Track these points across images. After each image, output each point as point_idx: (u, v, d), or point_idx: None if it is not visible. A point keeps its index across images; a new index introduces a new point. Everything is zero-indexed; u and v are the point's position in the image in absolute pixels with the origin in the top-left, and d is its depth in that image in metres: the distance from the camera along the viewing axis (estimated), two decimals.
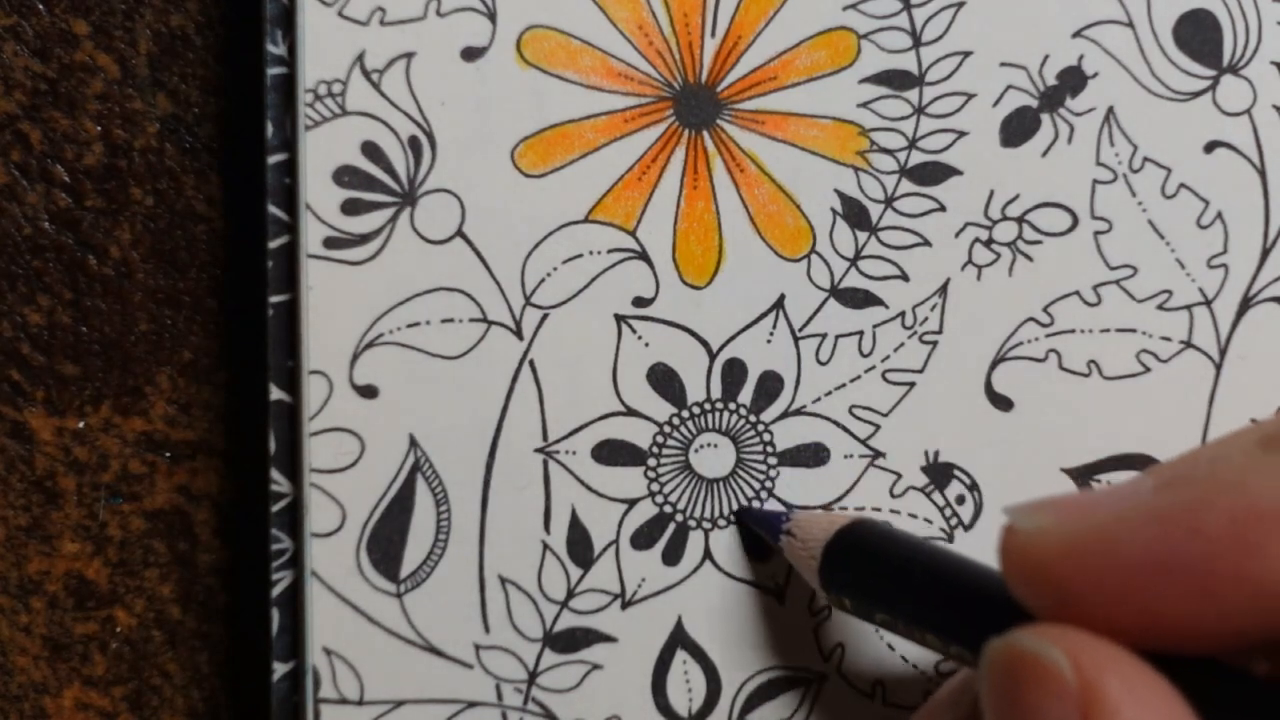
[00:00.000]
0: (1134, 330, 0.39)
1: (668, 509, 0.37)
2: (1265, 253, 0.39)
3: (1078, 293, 0.39)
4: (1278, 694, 0.24)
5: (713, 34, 0.37)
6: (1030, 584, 0.25)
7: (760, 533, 0.37)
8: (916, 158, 0.38)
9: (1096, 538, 0.24)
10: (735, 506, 0.38)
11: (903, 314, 0.38)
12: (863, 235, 0.38)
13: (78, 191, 0.37)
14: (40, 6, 0.37)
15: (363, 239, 0.36)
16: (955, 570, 0.30)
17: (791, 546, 0.36)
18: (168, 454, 0.38)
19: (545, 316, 0.37)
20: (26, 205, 0.37)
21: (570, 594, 0.37)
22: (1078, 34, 0.38)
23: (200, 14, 0.38)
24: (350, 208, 0.36)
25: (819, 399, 0.38)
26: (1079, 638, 0.24)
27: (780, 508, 0.38)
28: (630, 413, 0.37)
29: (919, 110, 0.38)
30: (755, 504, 0.38)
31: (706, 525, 0.37)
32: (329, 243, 0.36)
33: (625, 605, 0.37)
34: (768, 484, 0.38)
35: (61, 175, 0.37)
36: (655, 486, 0.37)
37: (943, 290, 0.38)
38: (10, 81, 0.37)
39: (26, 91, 0.37)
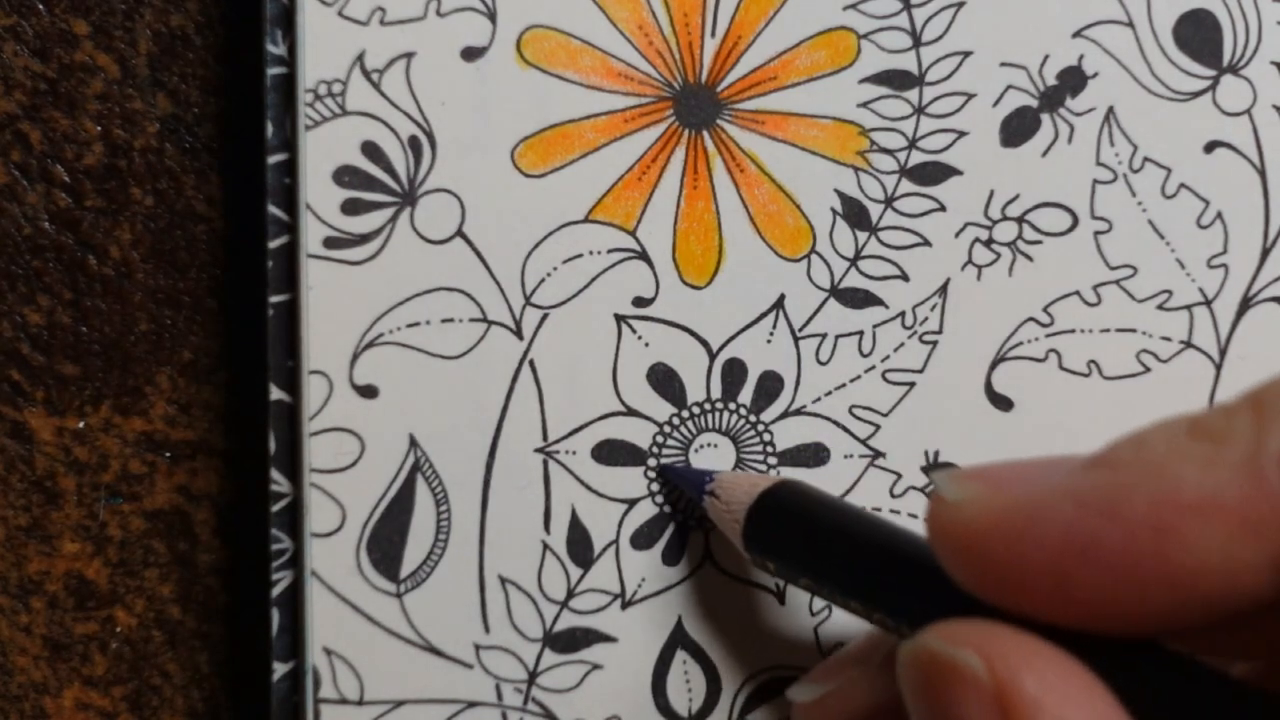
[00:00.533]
0: (1134, 330, 0.39)
1: (667, 509, 0.37)
2: (1265, 253, 0.39)
3: (1078, 293, 0.39)
4: (1211, 675, 0.24)
5: (713, 34, 0.37)
6: (957, 558, 0.25)
7: (686, 492, 0.37)
8: (916, 158, 0.38)
9: (1020, 514, 0.24)
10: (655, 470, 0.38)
11: (903, 314, 0.38)
12: (863, 235, 0.38)
13: (78, 191, 0.37)
14: (40, 6, 0.37)
15: (363, 239, 0.36)
16: (879, 535, 0.30)
17: (715, 507, 0.35)
18: (168, 454, 0.38)
19: (545, 316, 0.37)
20: (26, 205, 0.37)
21: (570, 594, 0.37)
22: (1078, 34, 0.38)
23: (200, 14, 0.38)
24: (350, 208, 0.36)
25: (819, 399, 0.38)
26: (991, 633, 0.24)
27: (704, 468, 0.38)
28: (630, 413, 0.37)
29: (919, 110, 0.38)
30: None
31: (706, 525, 0.37)
32: (329, 243, 0.36)
33: (625, 605, 0.37)
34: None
35: (61, 175, 0.37)
36: (655, 486, 0.37)
37: (943, 290, 0.38)
38: (10, 81, 0.37)
39: (26, 91, 0.37)
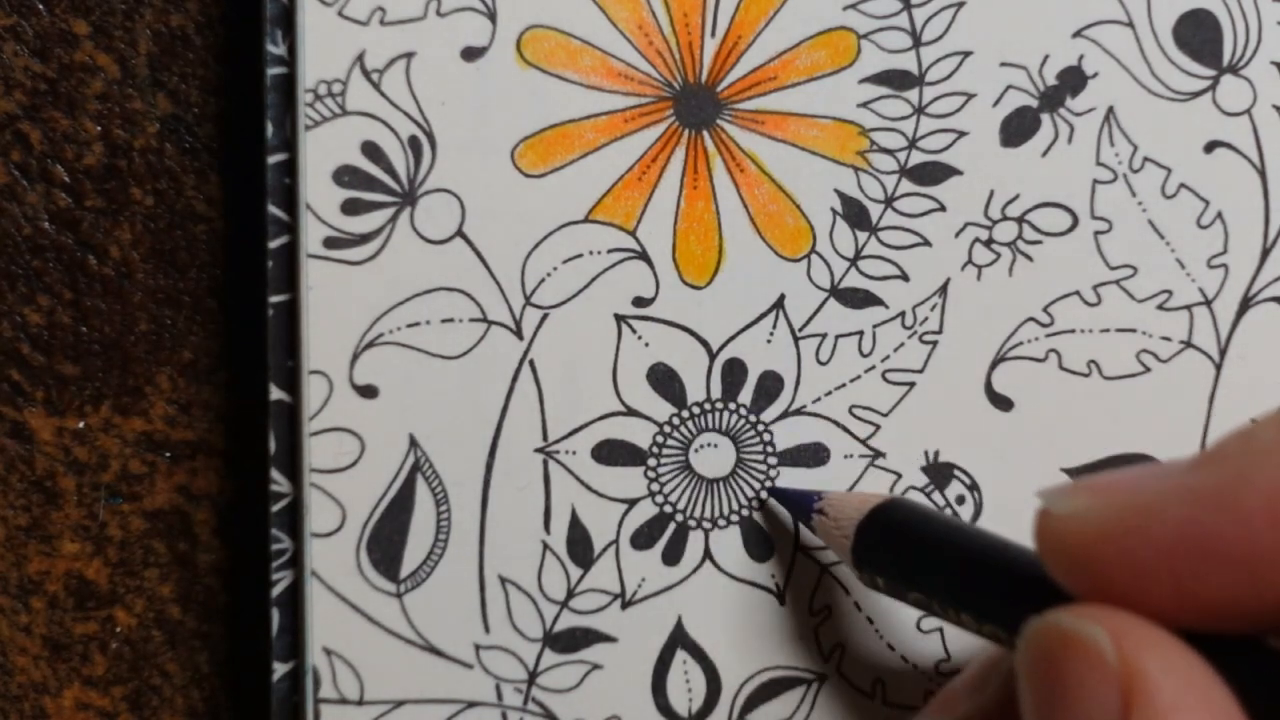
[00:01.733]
0: (1134, 330, 0.39)
1: (668, 509, 0.37)
2: (1265, 253, 0.39)
3: (1078, 293, 0.39)
4: None
5: (713, 34, 0.37)
6: (1068, 567, 0.25)
7: (790, 513, 0.37)
8: (916, 158, 0.38)
9: (1132, 518, 0.24)
10: (758, 495, 0.38)
11: (903, 314, 0.38)
12: (863, 235, 0.38)
13: (78, 191, 0.37)
14: (40, 6, 0.37)
15: (363, 239, 0.36)
16: (990, 549, 0.30)
17: (824, 525, 0.35)
18: (168, 454, 0.38)
19: (545, 316, 0.37)
20: (26, 205, 0.37)
21: (570, 594, 0.37)
22: (1078, 34, 0.38)
23: (200, 14, 0.38)
24: (350, 207, 0.36)
25: (819, 399, 0.38)
26: (1119, 617, 0.24)
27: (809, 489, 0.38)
28: (630, 413, 0.37)
29: (919, 110, 0.38)
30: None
31: (707, 525, 0.37)
32: (329, 243, 0.36)
33: (625, 605, 0.37)
34: (767, 484, 0.38)
35: (61, 175, 0.37)
36: (655, 486, 0.37)
37: (943, 290, 0.38)
38: (10, 81, 0.37)
39: (26, 91, 0.37)
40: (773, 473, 0.38)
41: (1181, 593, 0.23)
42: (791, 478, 0.38)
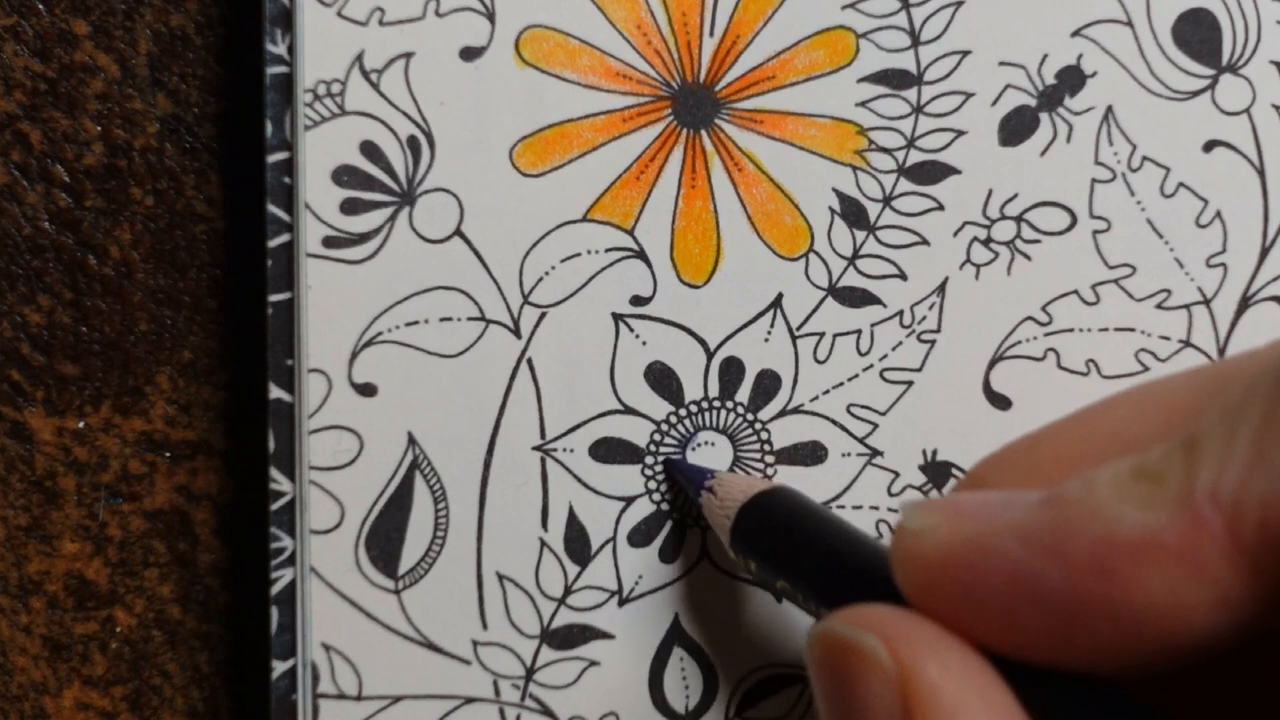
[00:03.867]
0: (1133, 329, 0.39)
1: (665, 507, 0.37)
2: (1264, 252, 0.39)
3: (1076, 292, 0.39)
4: (1112, 697, 0.24)
5: (711, 33, 0.37)
6: (912, 584, 0.25)
7: (685, 487, 0.37)
8: (915, 157, 0.38)
9: (970, 551, 0.24)
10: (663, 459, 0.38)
11: (901, 313, 0.38)
12: (861, 234, 0.38)
13: (78, 191, 0.37)
14: (40, 6, 0.37)
15: (362, 238, 0.36)
16: (856, 550, 0.30)
17: (710, 504, 0.35)
18: (168, 454, 0.38)
19: (543, 315, 0.37)
20: (26, 205, 0.37)
21: (568, 591, 0.37)
22: (1076, 33, 0.38)
23: (200, 14, 0.38)
24: (349, 207, 0.36)
25: (817, 398, 0.38)
26: (895, 620, 0.24)
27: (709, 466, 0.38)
28: (628, 411, 0.37)
29: (917, 109, 0.38)
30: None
31: (704, 523, 0.38)
32: (328, 242, 0.36)
33: (622, 602, 0.37)
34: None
35: (61, 175, 0.37)
36: (653, 484, 0.37)
37: (941, 289, 0.38)
38: (10, 81, 0.37)
39: (26, 91, 0.37)
40: (770, 471, 0.38)
41: (1010, 628, 0.23)
42: (789, 476, 0.38)
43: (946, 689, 0.23)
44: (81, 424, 0.38)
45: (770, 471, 0.38)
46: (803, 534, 0.32)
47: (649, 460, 0.37)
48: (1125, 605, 0.22)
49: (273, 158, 0.36)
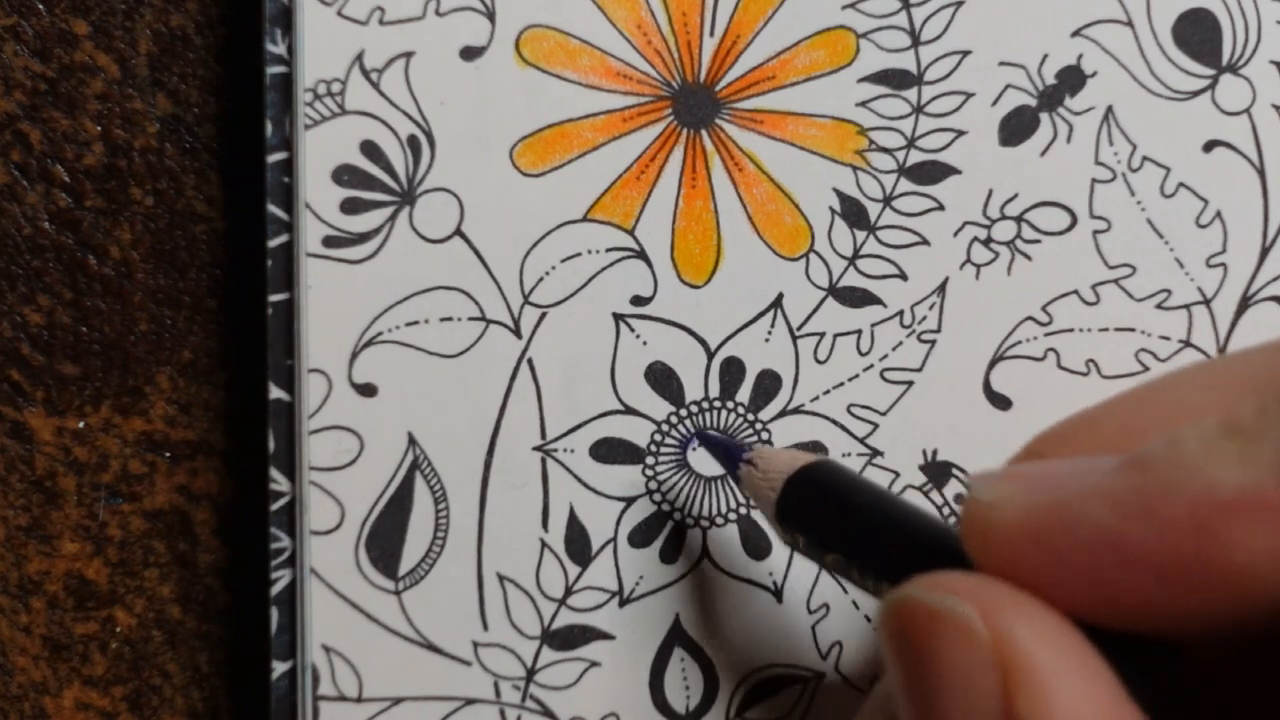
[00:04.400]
0: (1133, 329, 0.39)
1: (665, 507, 0.37)
2: (1264, 252, 0.39)
3: (1076, 292, 0.39)
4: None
5: (711, 33, 0.37)
6: (987, 555, 0.24)
7: (719, 461, 0.37)
8: (915, 157, 0.38)
9: (1054, 516, 0.23)
10: (697, 433, 0.38)
11: (901, 313, 0.38)
12: (861, 234, 0.38)
13: (78, 191, 0.37)
14: (40, 6, 0.37)
15: (362, 238, 0.36)
16: (915, 521, 0.29)
17: (751, 476, 0.34)
18: (168, 454, 0.38)
19: (544, 315, 0.37)
20: (26, 205, 0.37)
21: (568, 591, 0.37)
22: (1077, 33, 0.38)
23: (200, 14, 0.38)
24: (349, 207, 0.36)
25: (817, 398, 0.38)
26: (985, 586, 0.23)
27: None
28: (628, 411, 0.37)
29: (918, 109, 0.38)
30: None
31: (704, 523, 0.37)
32: (328, 241, 0.36)
33: (623, 603, 0.37)
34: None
35: (61, 175, 0.37)
36: (653, 485, 0.37)
37: (941, 289, 0.38)
38: (10, 81, 0.37)
39: (26, 91, 0.37)
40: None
41: (1095, 592, 0.23)
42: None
43: (1044, 657, 0.22)
44: (81, 424, 0.38)
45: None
46: (855, 506, 0.31)
47: (649, 460, 0.37)
48: (1225, 565, 0.22)
49: (273, 157, 0.36)
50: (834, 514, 0.32)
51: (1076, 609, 0.23)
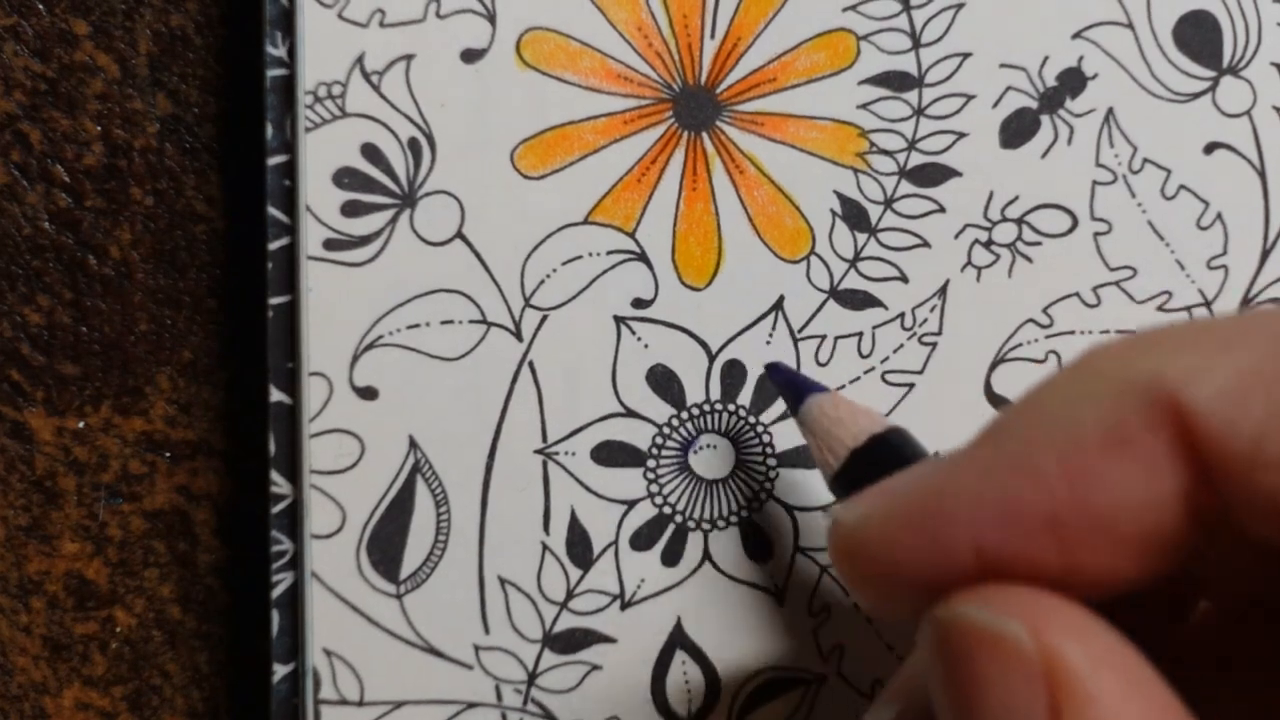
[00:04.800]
0: (1134, 332, 0.39)
1: (667, 510, 0.37)
2: (1265, 254, 0.39)
3: (1077, 294, 0.39)
4: None
5: (712, 35, 0.37)
6: (866, 572, 0.24)
7: (784, 398, 0.36)
8: (916, 159, 0.38)
9: (929, 500, 0.23)
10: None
11: (902, 315, 0.38)
12: (862, 237, 0.38)
13: (78, 191, 0.37)
14: (40, 6, 0.37)
15: (362, 241, 0.36)
16: None
17: (817, 426, 0.34)
18: (168, 454, 0.38)
19: (545, 318, 0.37)
20: (26, 205, 0.37)
21: (570, 595, 0.37)
22: (1077, 35, 0.38)
23: (200, 14, 0.38)
24: (350, 209, 0.36)
25: None
26: (1035, 599, 0.22)
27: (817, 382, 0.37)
28: (629, 414, 0.37)
29: (918, 112, 0.38)
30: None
31: (706, 526, 0.38)
32: (329, 244, 0.36)
33: (625, 606, 0.37)
34: (767, 485, 0.38)
35: (61, 175, 0.37)
36: (654, 488, 0.37)
37: (942, 291, 0.38)
38: (10, 81, 0.37)
39: (26, 91, 0.37)
40: (772, 474, 0.38)
41: (984, 563, 0.22)
42: (791, 479, 0.38)
43: (1093, 677, 0.21)
44: (81, 424, 0.38)
45: (772, 475, 0.38)
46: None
47: (650, 463, 0.37)
48: (1104, 506, 0.22)
49: (273, 160, 0.36)
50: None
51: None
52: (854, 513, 0.24)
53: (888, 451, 0.33)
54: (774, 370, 0.37)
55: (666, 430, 0.37)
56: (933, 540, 0.23)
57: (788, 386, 0.36)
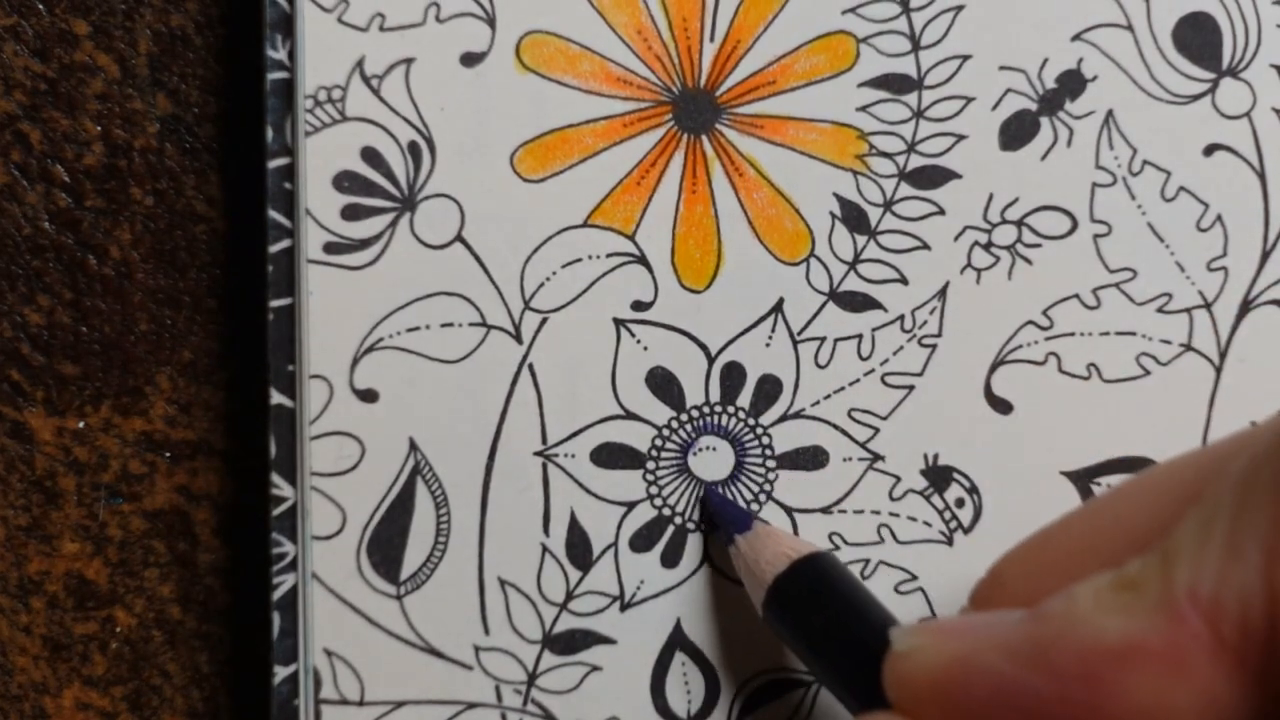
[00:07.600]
0: (1133, 333, 0.39)
1: (666, 512, 0.37)
2: (1265, 255, 0.39)
3: (1077, 296, 0.39)
4: None
5: (711, 38, 0.37)
6: (903, 703, 0.26)
7: (718, 522, 0.38)
8: (915, 161, 0.38)
9: (956, 669, 0.25)
10: (702, 489, 0.38)
11: (902, 317, 0.38)
12: (861, 239, 0.38)
13: (78, 191, 0.37)
14: (40, 6, 0.37)
15: (363, 244, 0.36)
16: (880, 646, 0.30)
17: (742, 560, 0.36)
18: (168, 454, 0.38)
19: (544, 320, 0.37)
20: (26, 205, 0.37)
21: (569, 596, 0.37)
22: (1077, 37, 0.38)
23: (200, 14, 0.38)
24: (350, 213, 0.36)
25: (818, 402, 0.38)
26: None
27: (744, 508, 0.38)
28: (629, 416, 0.37)
29: (918, 114, 0.38)
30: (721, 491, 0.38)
31: (705, 528, 0.38)
32: (329, 248, 0.36)
33: (624, 607, 0.37)
34: (766, 487, 0.38)
35: (61, 175, 0.37)
36: (654, 490, 0.37)
37: (942, 293, 0.38)
38: (10, 81, 0.37)
39: (26, 91, 0.37)
40: (772, 476, 0.38)
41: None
42: (790, 481, 0.38)
43: None
44: (81, 424, 0.38)
45: (772, 477, 0.38)
46: (826, 621, 0.33)
47: (650, 465, 0.37)
48: (1114, 713, 0.23)
49: (273, 163, 0.36)
50: (809, 624, 0.33)
51: None
52: (905, 643, 0.26)
53: (806, 575, 0.34)
54: (710, 496, 0.38)
55: (666, 432, 0.37)
56: (954, 704, 0.25)
57: (720, 517, 0.37)
